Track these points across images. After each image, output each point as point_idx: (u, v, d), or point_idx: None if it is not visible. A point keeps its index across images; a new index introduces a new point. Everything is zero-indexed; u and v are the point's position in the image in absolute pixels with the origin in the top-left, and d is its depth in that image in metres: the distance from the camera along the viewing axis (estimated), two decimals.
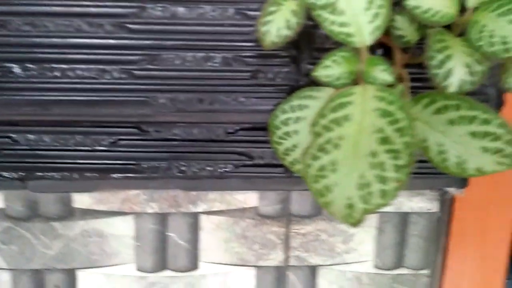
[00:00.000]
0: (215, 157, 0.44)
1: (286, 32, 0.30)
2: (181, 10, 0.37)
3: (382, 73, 0.29)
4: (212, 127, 0.42)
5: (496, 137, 0.28)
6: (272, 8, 0.31)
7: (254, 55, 0.38)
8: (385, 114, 0.27)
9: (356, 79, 0.31)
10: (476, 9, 0.31)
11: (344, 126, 0.28)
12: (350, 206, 0.29)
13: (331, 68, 0.30)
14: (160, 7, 0.37)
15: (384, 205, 0.29)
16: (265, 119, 0.39)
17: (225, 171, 0.44)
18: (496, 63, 0.34)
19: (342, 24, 0.30)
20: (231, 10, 0.37)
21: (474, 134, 0.29)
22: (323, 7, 0.29)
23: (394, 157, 0.27)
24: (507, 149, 0.29)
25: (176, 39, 0.37)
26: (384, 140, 0.27)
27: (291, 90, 0.39)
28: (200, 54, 0.38)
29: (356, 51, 0.32)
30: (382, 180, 0.28)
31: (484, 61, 0.29)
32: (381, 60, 0.30)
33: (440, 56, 0.29)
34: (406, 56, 0.36)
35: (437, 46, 0.29)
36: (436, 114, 0.30)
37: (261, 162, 0.44)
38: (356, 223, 0.30)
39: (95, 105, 0.39)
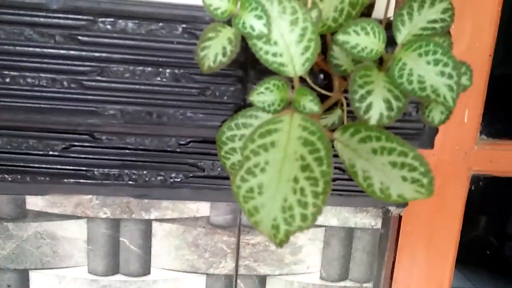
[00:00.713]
0: (166, 167, 0.45)
1: (222, 59, 0.32)
2: (130, 25, 0.38)
3: (310, 103, 0.31)
4: (164, 138, 0.44)
5: (413, 168, 0.30)
6: (210, 34, 0.32)
7: (202, 72, 0.40)
8: (307, 143, 0.28)
9: (288, 106, 0.32)
10: (402, 46, 0.33)
11: (271, 152, 0.29)
12: (275, 227, 0.31)
13: (264, 95, 0.32)
14: (110, 21, 0.38)
15: (305, 228, 0.30)
16: (213, 134, 0.41)
17: (176, 181, 0.46)
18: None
19: (275, 54, 0.32)
20: (179, 29, 0.38)
21: (394, 164, 0.31)
22: (258, 37, 0.31)
23: (313, 184, 0.29)
24: (423, 180, 0.30)
25: (125, 53, 0.38)
26: (305, 168, 0.29)
27: (238, 108, 0.40)
28: (149, 69, 0.39)
29: (289, 79, 0.33)
30: (303, 204, 0.29)
31: (403, 98, 0.30)
32: (309, 91, 0.32)
33: (361, 91, 0.30)
34: (345, 82, 0.38)
35: (359, 81, 0.30)
36: (361, 143, 0.31)
37: (212, 174, 0.45)
38: (280, 244, 0.31)
39: (45, 112, 0.40)
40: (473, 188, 0.61)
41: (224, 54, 0.32)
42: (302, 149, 0.28)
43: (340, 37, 0.32)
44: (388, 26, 0.40)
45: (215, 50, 0.32)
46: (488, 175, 0.60)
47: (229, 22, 0.33)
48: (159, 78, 0.39)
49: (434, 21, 0.35)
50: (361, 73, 0.31)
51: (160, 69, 0.39)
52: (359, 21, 0.33)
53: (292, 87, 0.33)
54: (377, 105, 0.30)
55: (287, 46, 0.32)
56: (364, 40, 0.32)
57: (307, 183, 0.29)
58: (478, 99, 0.58)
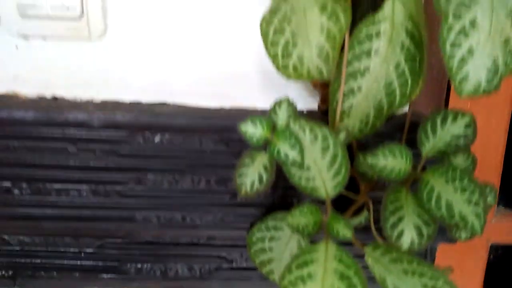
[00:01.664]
0: (196, 260, 0.46)
1: (258, 186, 0.34)
2: (167, 136, 0.40)
3: (343, 229, 0.33)
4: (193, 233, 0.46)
5: None
6: (247, 160, 0.34)
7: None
8: (343, 277, 0.30)
9: (321, 228, 0.34)
10: (429, 169, 0.35)
11: (308, 284, 0.31)
12: None
13: (298, 218, 0.34)
14: (148, 134, 0.40)
15: None
16: (243, 234, 0.43)
17: (205, 272, 0.47)
18: None
19: (308, 179, 0.33)
20: (212, 139, 0.40)
21: (425, 286, 0.32)
22: (292, 164, 0.33)
23: None
24: None
25: (161, 162, 0.41)
26: None
27: (267, 209, 0.42)
28: (184, 177, 0.41)
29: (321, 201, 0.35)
30: None
31: (433, 224, 0.32)
32: (342, 218, 0.33)
33: (393, 219, 0.32)
34: (371, 184, 0.39)
35: (390, 207, 0.32)
36: (392, 263, 0.33)
37: (240, 265, 0.47)
38: None
39: (86, 220, 0.42)
40: (491, 257, 0.62)
41: (260, 182, 0.34)
42: (338, 283, 0.30)
43: (370, 159, 0.34)
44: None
45: (252, 177, 0.34)
46: (506, 245, 0.61)
47: (264, 147, 0.35)
48: (192, 185, 0.41)
49: (458, 136, 0.37)
50: (391, 198, 0.32)
51: (194, 176, 0.41)
52: (387, 145, 0.35)
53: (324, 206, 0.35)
54: (408, 232, 0.32)
55: (320, 170, 0.33)
56: (391, 162, 0.34)
57: None
58: (495, 174, 0.60)
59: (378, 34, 0.36)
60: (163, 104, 0.51)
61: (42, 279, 0.45)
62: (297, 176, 0.33)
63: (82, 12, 0.47)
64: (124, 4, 0.48)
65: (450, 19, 0.31)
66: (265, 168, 0.34)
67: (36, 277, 0.45)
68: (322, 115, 0.50)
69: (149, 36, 0.50)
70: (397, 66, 0.37)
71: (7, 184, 0.40)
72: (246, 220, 0.42)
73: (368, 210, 0.40)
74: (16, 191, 0.40)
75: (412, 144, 0.41)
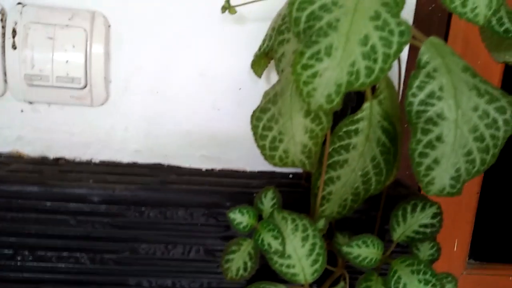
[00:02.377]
0: None
1: (243, 273, 0.37)
2: (161, 210, 0.43)
3: None
4: None
5: None
6: (233, 248, 0.38)
7: (222, 248, 0.45)
8: None
9: None
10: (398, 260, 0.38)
11: None
12: None
13: None
14: (142, 208, 0.44)
15: None
16: None
17: None
18: None
19: (288, 266, 0.37)
20: (202, 213, 0.44)
21: None
22: (274, 253, 0.36)
23: None
24: None
25: (154, 234, 0.44)
26: None
27: (252, 279, 0.45)
28: (175, 247, 0.45)
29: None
30: None
31: None
32: None
33: None
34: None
35: None
36: None
37: None
38: None
39: (81, 284, 0.45)
40: None
41: (245, 269, 0.37)
42: None
43: (345, 249, 0.38)
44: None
45: (237, 264, 0.37)
46: None
47: (250, 235, 0.38)
48: (183, 254, 0.44)
49: (425, 226, 0.41)
50: (363, 285, 0.36)
51: (185, 246, 0.44)
52: (361, 236, 0.38)
53: None
54: None
55: (299, 258, 0.37)
56: (364, 252, 0.37)
57: None
58: (467, 230, 0.64)
59: (356, 131, 0.40)
60: (158, 165, 0.55)
61: None
62: (278, 263, 0.37)
63: (86, 83, 0.50)
64: (124, 77, 0.52)
65: (419, 134, 0.35)
66: (250, 255, 0.37)
67: None
68: (306, 183, 0.54)
69: (146, 103, 0.53)
70: (373, 158, 0.41)
71: (10, 252, 0.43)
72: (232, 287, 0.46)
73: (345, 281, 0.44)
74: (18, 258, 0.43)
75: (387, 219, 0.45)
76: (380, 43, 0.31)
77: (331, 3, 0.32)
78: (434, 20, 0.60)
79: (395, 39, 0.31)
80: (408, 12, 0.57)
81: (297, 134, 0.39)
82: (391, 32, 0.31)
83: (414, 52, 0.56)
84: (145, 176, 0.50)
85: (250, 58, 0.51)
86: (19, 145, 0.52)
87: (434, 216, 0.41)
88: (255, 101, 0.54)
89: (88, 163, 0.53)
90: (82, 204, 0.42)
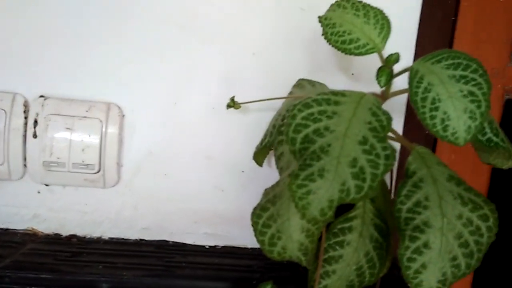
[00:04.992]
0: None
1: None
2: None
3: None
4: None
5: None
6: None
7: None
8: None
9: None
10: None
11: None
12: None
13: None
14: None
15: None
16: None
17: None
18: None
19: None
20: None
21: None
22: None
23: None
24: None
25: None
26: None
27: None
28: None
29: None
30: None
31: None
32: None
33: None
34: None
35: None
36: None
37: None
38: None
39: None
40: None
41: None
42: None
43: None
44: None
45: None
46: None
47: None
48: None
49: None
50: None
51: None
52: None
53: None
54: None
55: None
56: None
57: None
58: None
59: (350, 228, 0.43)
60: (163, 242, 0.57)
61: None
62: None
63: (100, 168, 0.53)
64: (135, 160, 0.55)
65: (407, 241, 0.37)
66: None
67: None
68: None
69: (155, 184, 0.56)
70: (366, 253, 0.43)
71: None
72: None
73: None
74: None
75: None
76: (368, 164, 0.34)
77: (323, 128, 0.36)
78: None
79: (382, 161, 0.34)
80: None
81: (294, 233, 0.42)
82: (377, 155, 0.35)
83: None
84: (151, 257, 0.52)
85: (252, 143, 0.55)
86: (34, 223, 0.56)
87: None
88: (257, 183, 0.57)
89: (98, 241, 0.56)
90: None
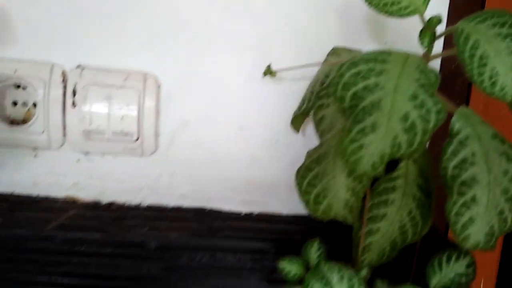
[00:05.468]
0: None
1: None
2: (219, 255, 0.47)
3: None
4: None
5: None
6: None
7: None
8: None
9: None
10: None
11: None
12: None
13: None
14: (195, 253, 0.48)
15: None
16: None
17: None
18: None
19: None
20: (252, 258, 0.48)
21: None
22: None
23: None
24: None
25: (207, 277, 0.48)
26: None
27: None
28: None
29: None
30: None
31: None
32: None
33: None
34: None
35: None
36: None
37: None
38: None
39: None
40: None
41: None
42: None
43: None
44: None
45: None
46: None
47: (299, 282, 0.42)
48: None
49: (460, 275, 0.44)
50: None
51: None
52: (403, 285, 0.42)
53: None
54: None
55: None
56: None
57: None
58: (493, 269, 0.66)
59: (393, 188, 0.43)
60: (201, 209, 0.59)
61: None
62: None
63: (138, 136, 0.54)
64: (172, 130, 0.56)
65: (455, 196, 0.38)
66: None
67: None
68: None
69: (191, 153, 0.57)
70: (409, 212, 0.44)
71: None
72: None
73: None
74: None
75: (420, 264, 0.48)
76: (419, 120, 0.35)
77: (373, 85, 0.36)
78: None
79: (433, 116, 0.35)
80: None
81: (340, 191, 0.42)
82: (428, 111, 0.35)
83: None
84: (191, 222, 0.54)
85: (286, 113, 0.55)
86: (74, 191, 0.57)
87: (468, 266, 0.44)
88: (291, 151, 0.58)
89: (138, 208, 0.57)
90: (140, 249, 0.47)
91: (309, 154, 0.45)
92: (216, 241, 0.48)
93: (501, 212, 0.39)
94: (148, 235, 0.48)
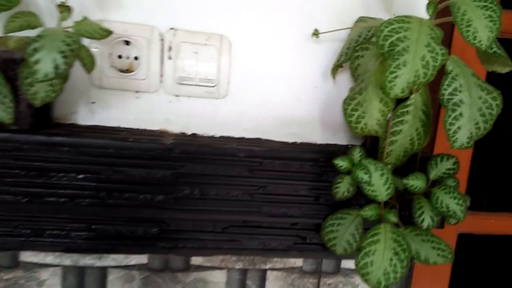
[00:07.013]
0: (283, 238, 0.74)
1: (347, 195, 0.62)
2: (278, 162, 0.68)
3: (393, 217, 0.61)
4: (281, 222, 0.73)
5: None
6: (339, 180, 0.62)
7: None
8: (396, 241, 0.58)
9: (380, 218, 0.62)
10: (436, 184, 0.64)
11: (377, 245, 0.59)
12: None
13: (367, 211, 0.62)
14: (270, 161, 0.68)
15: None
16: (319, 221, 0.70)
17: (287, 246, 0.74)
18: None
19: (373, 191, 0.62)
20: (311, 163, 0.68)
21: (433, 248, 0.61)
22: (365, 183, 0.61)
23: (399, 259, 0.59)
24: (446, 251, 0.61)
25: (275, 176, 0.68)
26: (396, 253, 0.59)
27: (336, 208, 0.70)
28: (287, 186, 0.69)
29: (379, 203, 0.63)
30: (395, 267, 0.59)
31: (439, 215, 0.61)
32: (391, 211, 0.62)
33: (418, 212, 0.61)
34: (397, 193, 0.68)
35: (417, 206, 0.61)
36: (416, 236, 0.62)
37: (309, 241, 0.74)
38: None
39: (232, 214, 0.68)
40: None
41: (348, 192, 0.61)
42: (394, 244, 0.58)
43: (405, 181, 0.63)
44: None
45: (343, 189, 0.62)
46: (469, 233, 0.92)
47: (348, 173, 0.63)
48: (287, 190, 0.69)
49: (449, 169, 0.66)
50: (416, 201, 0.61)
51: (292, 185, 0.69)
52: (414, 173, 0.64)
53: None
54: (427, 218, 0.61)
55: (379, 186, 0.62)
56: (416, 182, 0.63)
57: (397, 258, 0.59)
58: (463, 179, 0.90)
59: (407, 112, 0.65)
60: (258, 139, 0.78)
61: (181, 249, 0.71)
62: (367, 189, 0.61)
63: (216, 83, 0.73)
64: (239, 79, 0.75)
65: (449, 112, 0.60)
66: (350, 184, 0.62)
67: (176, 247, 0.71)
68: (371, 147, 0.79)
69: (252, 96, 0.77)
70: (416, 129, 0.66)
71: (187, 189, 0.66)
72: (320, 215, 0.70)
73: (396, 208, 0.69)
74: (196, 193, 0.66)
75: (422, 166, 0.70)
76: (431, 59, 0.56)
77: (403, 37, 0.57)
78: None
79: (439, 57, 0.56)
80: None
81: (374, 112, 0.63)
82: (437, 53, 0.56)
83: None
84: (254, 146, 0.73)
85: (323, 65, 0.76)
86: (165, 125, 0.75)
87: (454, 163, 0.67)
88: (325, 96, 0.79)
89: (213, 137, 0.76)
90: (232, 157, 0.66)
91: (352, 89, 0.66)
92: (283, 153, 0.68)
93: (476, 123, 0.61)
94: (238, 147, 0.67)
